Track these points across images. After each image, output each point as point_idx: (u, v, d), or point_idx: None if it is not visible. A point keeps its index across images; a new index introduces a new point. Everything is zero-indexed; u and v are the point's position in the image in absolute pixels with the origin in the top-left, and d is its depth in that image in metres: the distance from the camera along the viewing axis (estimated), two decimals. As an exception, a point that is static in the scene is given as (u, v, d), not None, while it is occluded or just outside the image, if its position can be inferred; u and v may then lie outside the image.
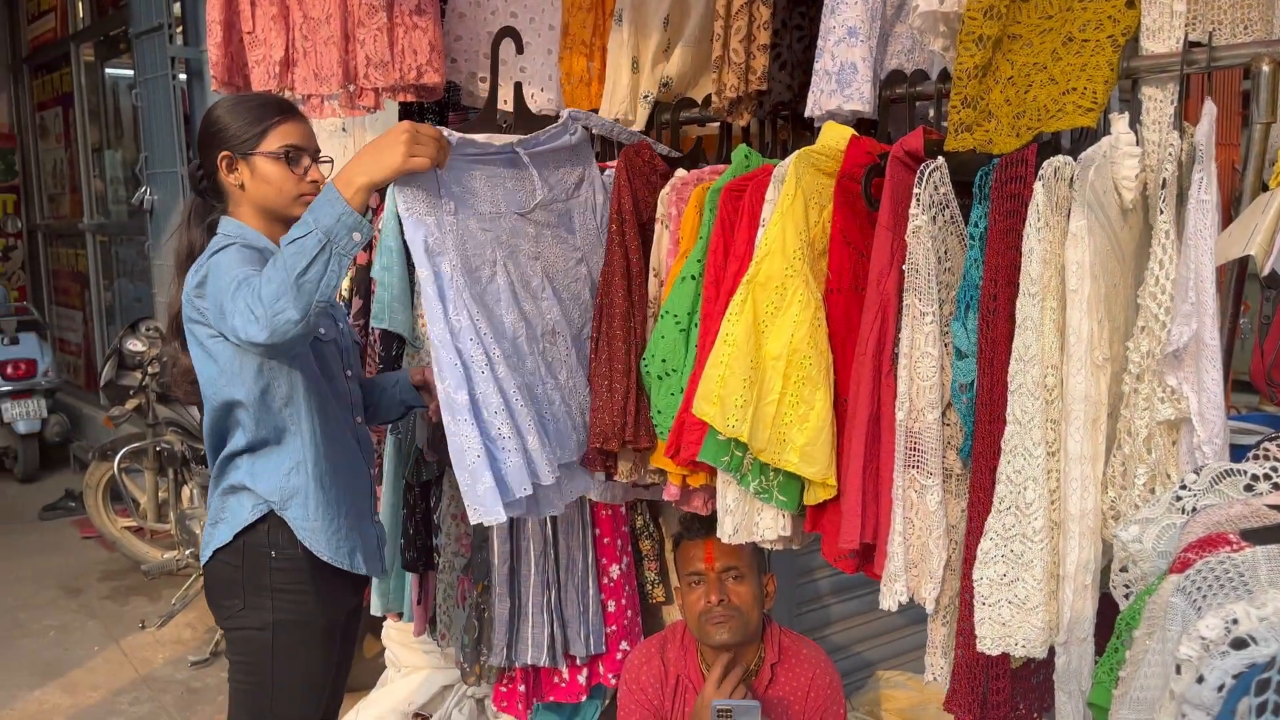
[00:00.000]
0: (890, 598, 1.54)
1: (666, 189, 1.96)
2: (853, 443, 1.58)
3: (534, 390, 1.86)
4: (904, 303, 1.53)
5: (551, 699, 2.58)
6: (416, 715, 2.78)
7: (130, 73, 5.44)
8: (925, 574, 1.55)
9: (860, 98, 1.70)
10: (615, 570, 2.58)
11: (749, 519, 1.74)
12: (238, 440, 1.87)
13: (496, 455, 1.71)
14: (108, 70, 6.55)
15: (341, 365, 2.01)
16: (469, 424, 1.69)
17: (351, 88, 2.51)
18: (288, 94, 2.56)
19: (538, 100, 2.62)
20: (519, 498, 1.73)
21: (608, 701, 2.76)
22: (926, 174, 1.50)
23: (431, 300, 1.72)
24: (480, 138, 1.87)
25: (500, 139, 1.92)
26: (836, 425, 1.65)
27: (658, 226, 1.97)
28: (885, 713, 2.81)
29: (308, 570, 1.88)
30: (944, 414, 1.54)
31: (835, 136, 1.70)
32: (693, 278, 1.85)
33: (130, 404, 4.26)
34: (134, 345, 4.26)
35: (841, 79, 1.71)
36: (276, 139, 1.88)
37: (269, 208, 1.91)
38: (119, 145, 6.52)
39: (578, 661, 2.55)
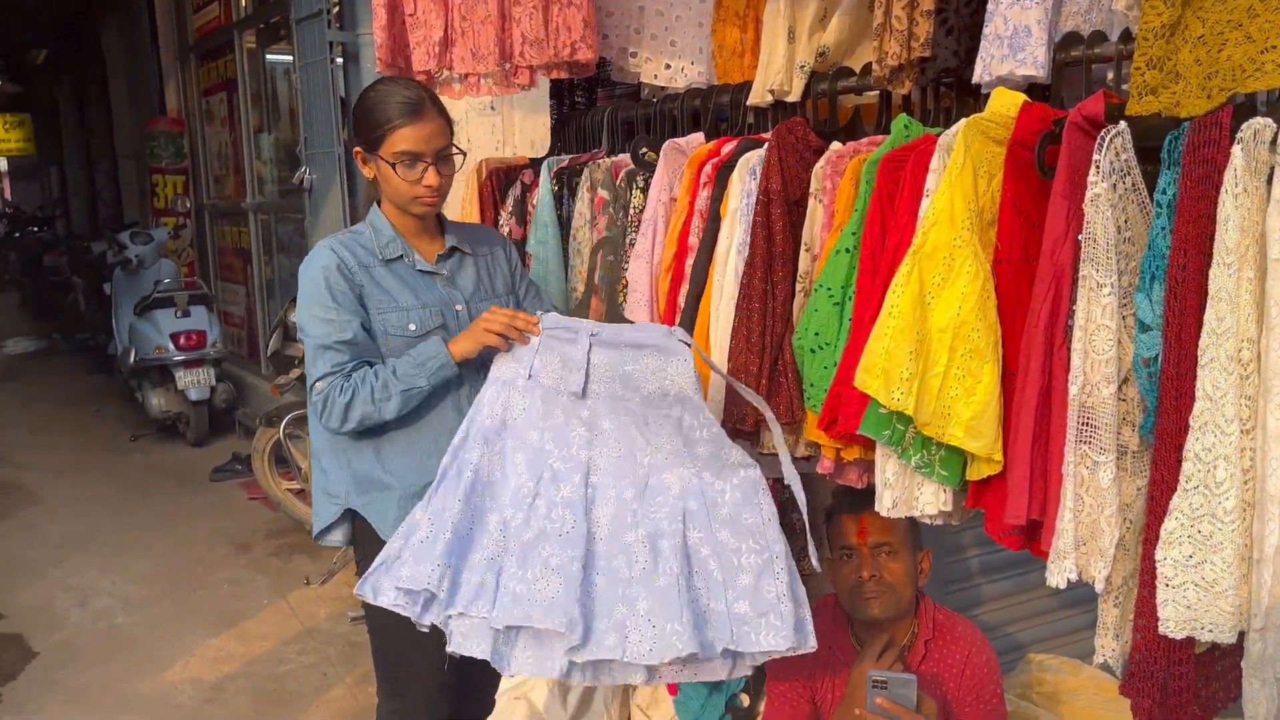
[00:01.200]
0: (1058, 574, 1.50)
1: (821, 163, 1.94)
2: (1021, 417, 1.54)
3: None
4: (1080, 274, 1.48)
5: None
6: (566, 677, 2.85)
7: (288, 58, 5.70)
8: (1095, 552, 1.50)
9: (1034, 62, 1.64)
10: (763, 542, 2.59)
11: (909, 493, 1.73)
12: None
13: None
14: (268, 56, 6.88)
15: None
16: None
17: (507, 66, 2.57)
18: (446, 73, 2.65)
19: (688, 74, 2.62)
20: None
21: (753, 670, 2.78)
22: (1108, 139, 1.44)
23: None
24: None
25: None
26: (1004, 399, 1.61)
27: (811, 201, 1.95)
28: (1038, 695, 2.74)
29: None
30: (1120, 389, 1.48)
31: (1006, 103, 1.65)
32: (847, 250, 1.83)
33: (294, 373, 4.49)
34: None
35: (1014, 43, 1.66)
36: (392, 145, 1.97)
37: (394, 203, 2.04)
38: (277, 128, 6.85)
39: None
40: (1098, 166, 1.44)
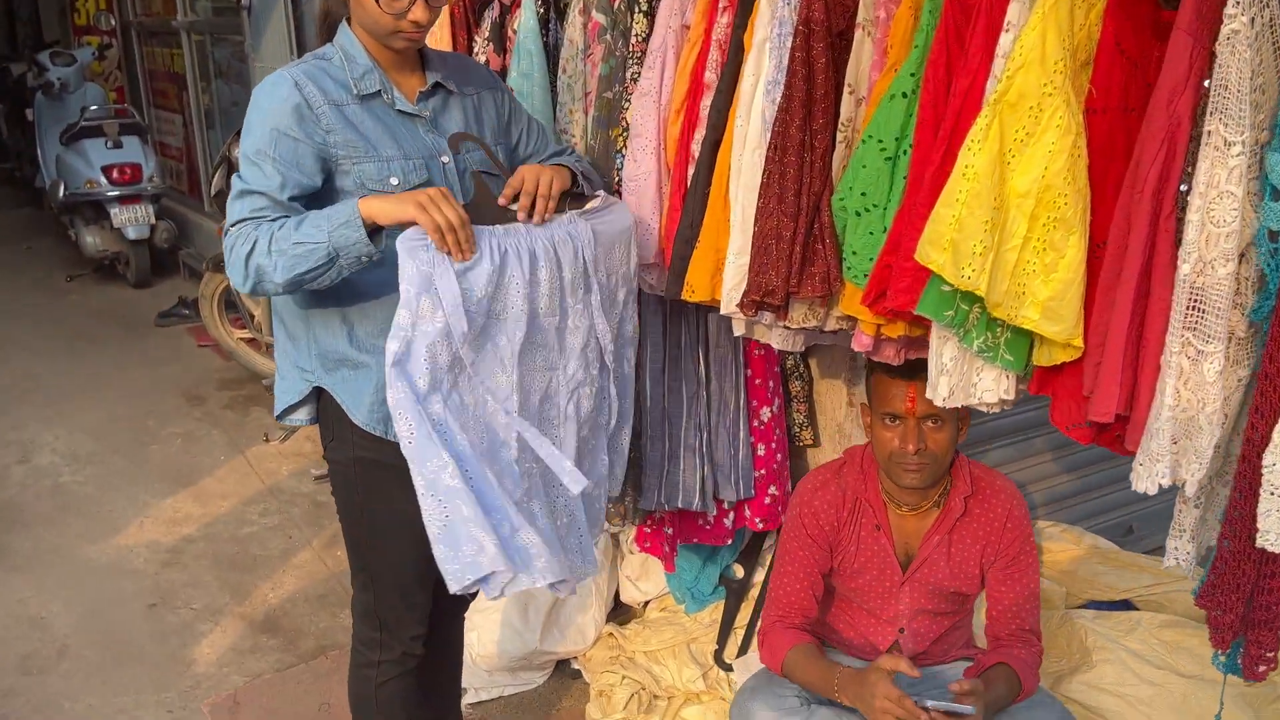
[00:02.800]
0: (1148, 479, 1.33)
1: (872, -16, 1.64)
2: (1118, 298, 1.32)
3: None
4: (1204, 129, 1.23)
5: (696, 541, 2.48)
6: (551, 547, 2.71)
7: None
8: (1191, 452, 1.32)
9: None
10: (766, 413, 2.42)
11: (966, 379, 1.53)
12: None
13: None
14: None
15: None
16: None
17: None
18: None
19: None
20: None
21: (747, 540, 2.66)
22: (1256, -37, 1.17)
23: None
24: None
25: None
26: (1087, 277, 1.40)
27: (857, 34, 1.66)
28: (1044, 565, 2.66)
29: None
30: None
31: (1110, -85, 1.36)
32: (904, 95, 1.56)
33: (241, 215, 4.14)
34: (242, 153, 4.09)
35: None
36: None
37: (372, 33, 1.71)
38: (208, -66, 6.18)
39: (725, 505, 2.43)
40: (1239, -4, 1.18)
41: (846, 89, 1.67)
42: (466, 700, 2.56)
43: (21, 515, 3.57)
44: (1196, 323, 1.27)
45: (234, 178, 1.63)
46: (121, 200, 5.95)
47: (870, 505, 1.91)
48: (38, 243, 7.29)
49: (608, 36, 2.13)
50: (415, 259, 1.53)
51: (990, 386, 1.52)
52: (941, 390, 1.52)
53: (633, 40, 2.06)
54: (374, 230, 1.57)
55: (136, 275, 6.17)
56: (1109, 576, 2.64)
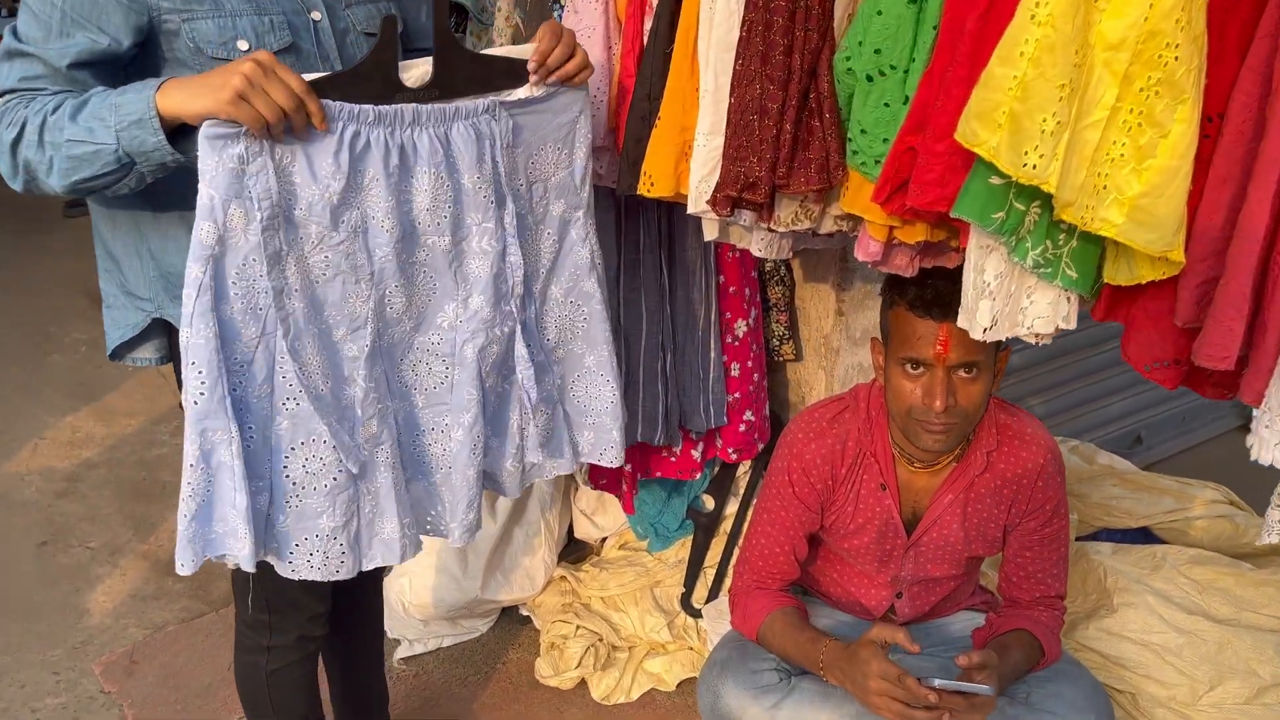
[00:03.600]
0: (1272, 449, 0.97)
1: None
2: (1251, 197, 0.94)
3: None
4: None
5: (659, 475, 2.13)
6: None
7: None
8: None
9: None
10: (741, 327, 2.04)
11: (1014, 303, 1.15)
12: None
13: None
14: None
15: None
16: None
17: None
18: None
19: None
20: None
21: (718, 469, 2.32)
22: None
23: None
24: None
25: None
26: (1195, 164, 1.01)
27: None
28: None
29: None
30: None
31: None
32: (936, -90, 1.14)
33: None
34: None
35: None
36: None
37: None
38: None
39: (692, 435, 2.07)
40: None
41: (854, -95, 1.24)
42: (399, 654, 2.24)
43: (-102, 436, 3.16)
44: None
45: (5, 30, 1.17)
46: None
47: (876, 459, 1.55)
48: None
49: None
50: (220, 151, 1.12)
51: (1044, 312, 1.15)
52: (982, 318, 1.15)
53: None
54: (178, 130, 1.14)
55: (43, 160, 5.59)
56: (1126, 501, 2.33)
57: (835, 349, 2.19)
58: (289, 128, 1.13)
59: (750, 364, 2.07)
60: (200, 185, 1.13)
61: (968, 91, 1.07)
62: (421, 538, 1.44)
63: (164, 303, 1.33)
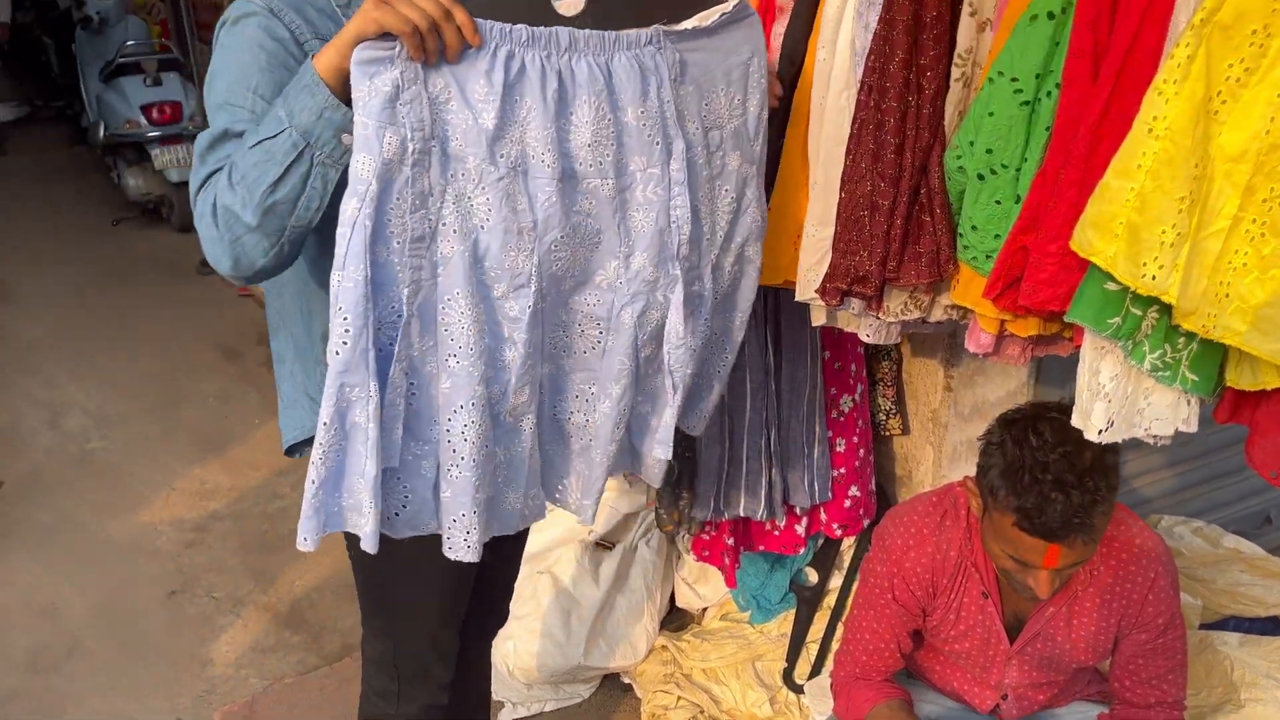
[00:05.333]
0: None
1: None
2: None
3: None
4: None
5: (761, 549, 2.14)
6: (598, 544, 2.40)
7: None
8: None
9: None
10: (847, 402, 2.04)
11: (1131, 405, 1.14)
12: None
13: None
14: None
15: None
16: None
17: None
18: None
19: None
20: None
21: (821, 543, 2.30)
22: None
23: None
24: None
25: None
26: (1321, 273, 0.99)
27: (983, -68, 1.24)
28: (1173, 577, 2.26)
29: None
30: None
31: None
32: (1050, 16, 1.16)
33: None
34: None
35: None
36: None
37: None
38: None
39: (797, 510, 2.07)
40: None
41: (966, 9, 1.26)
42: (502, 716, 2.28)
43: (45, 484, 3.37)
44: None
45: (199, 136, 1.20)
46: (162, 140, 5.68)
47: (978, 569, 1.52)
48: (86, 183, 7.09)
49: None
50: (373, 78, 1.04)
51: (1164, 414, 1.13)
52: (1096, 420, 1.14)
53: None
54: (343, 88, 1.09)
55: (179, 219, 5.92)
56: (1255, 589, 2.23)
57: (943, 424, 2.16)
58: (441, 51, 1.07)
59: (856, 439, 2.06)
60: (355, 116, 1.06)
61: (1081, 194, 1.08)
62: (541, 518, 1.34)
63: None
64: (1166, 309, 1.03)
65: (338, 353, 1.10)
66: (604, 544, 2.41)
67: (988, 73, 1.20)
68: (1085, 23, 1.11)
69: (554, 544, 2.39)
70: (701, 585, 2.37)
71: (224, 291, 5.11)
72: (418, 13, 1.03)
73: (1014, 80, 1.17)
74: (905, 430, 2.21)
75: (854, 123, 1.31)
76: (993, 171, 1.22)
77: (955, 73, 1.27)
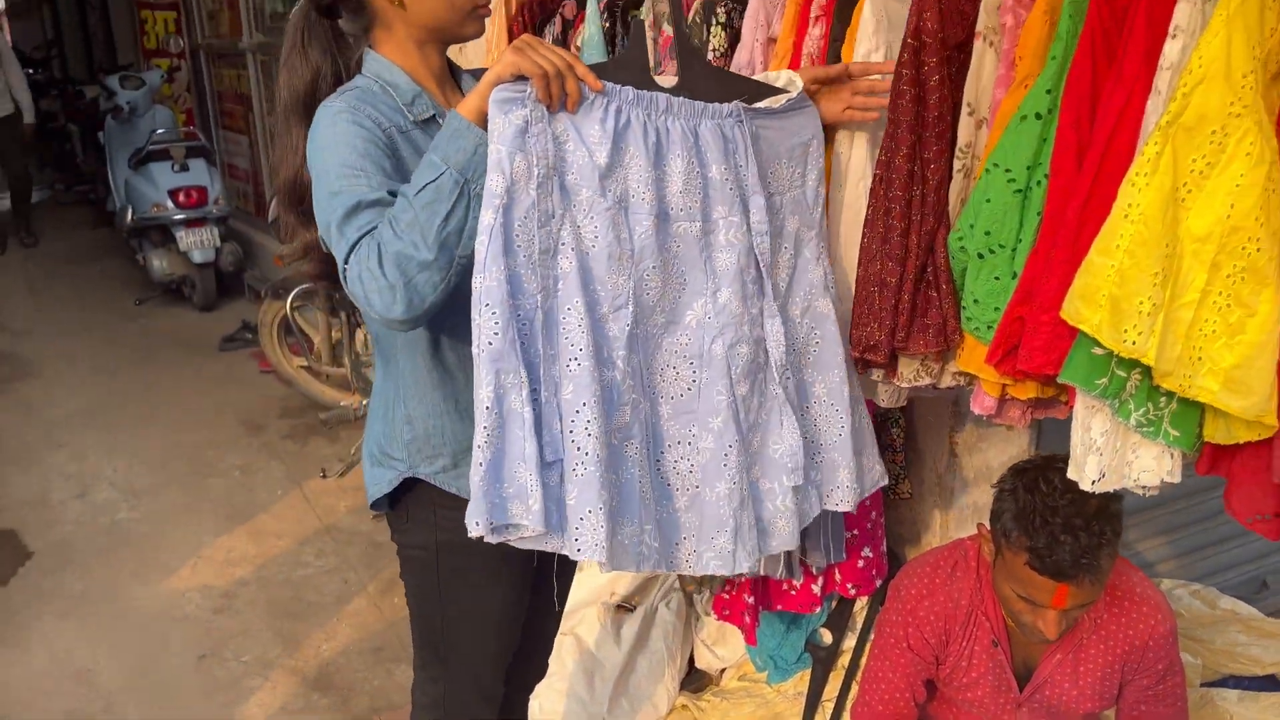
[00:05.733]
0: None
1: (997, -13, 1.39)
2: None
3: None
4: None
5: (779, 608, 2.24)
6: (619, 607, 2.49)
7: None
8: None
9: None
10: (859, 466, 2.16)
11: (1120, 458, 1.26)
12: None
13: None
14: None
15: None
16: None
17: None
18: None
19: None
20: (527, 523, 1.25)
21: (836, 604, 2.40)
22: None
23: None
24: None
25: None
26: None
27: (978, 44, 1.41)
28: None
29: None
30: None
31: (1308, -108, 1.10)
32: (1038, 116, 1.31)
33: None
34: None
35: None
36: None
37: (435, 28, 1.45)
38: (274, -45, 6.13)
39: (813, 570, 2.18)
40: None
41: (965, 109, 1.42)
42: (529, 774, 2.35)
43: (76, 554, 3.46)
44: None
45: (325, 224, 1.33)
46: (187, 224, 5.90)
47: (988, 618, 1.64)
48: (109, 265, 7.31)
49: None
50: (507, 113, 1.24)
51: (1150, 466, 1.26)
52: (1090, 472, 1.26)
53: (710, 56, 1.84)
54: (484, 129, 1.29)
55: (202, 298, 6.12)
56: (1252, 648, 2.32)
57: (950, 488, 2.29)
58: (564, 100, 1.25)
59: (867, 502, 2.18)
60: (490, 145, 1.24)
61: (1069, 269, 1.22)
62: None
63: (416, 463, 1.51)
64: (1147, 370, 1.17)
65: (490, 343, 1.24)
66: (625, 606, 2.51)
67: (985, 164, 1.36)
68: (1069, 122, 1.27)
69: (578, 606, 2.49)
70: (720, 646, 2.46)
71: (245, 367, 5.27)
72: (547, 61, 1.24)
73: (1008, 171, 1.33)
74: (914, 495, 2.33)
75: (868, 209, 1.46)
76: (991, 251, 1.36)
77: (957, 164, 1.43)
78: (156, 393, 4.93)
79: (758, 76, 1.47)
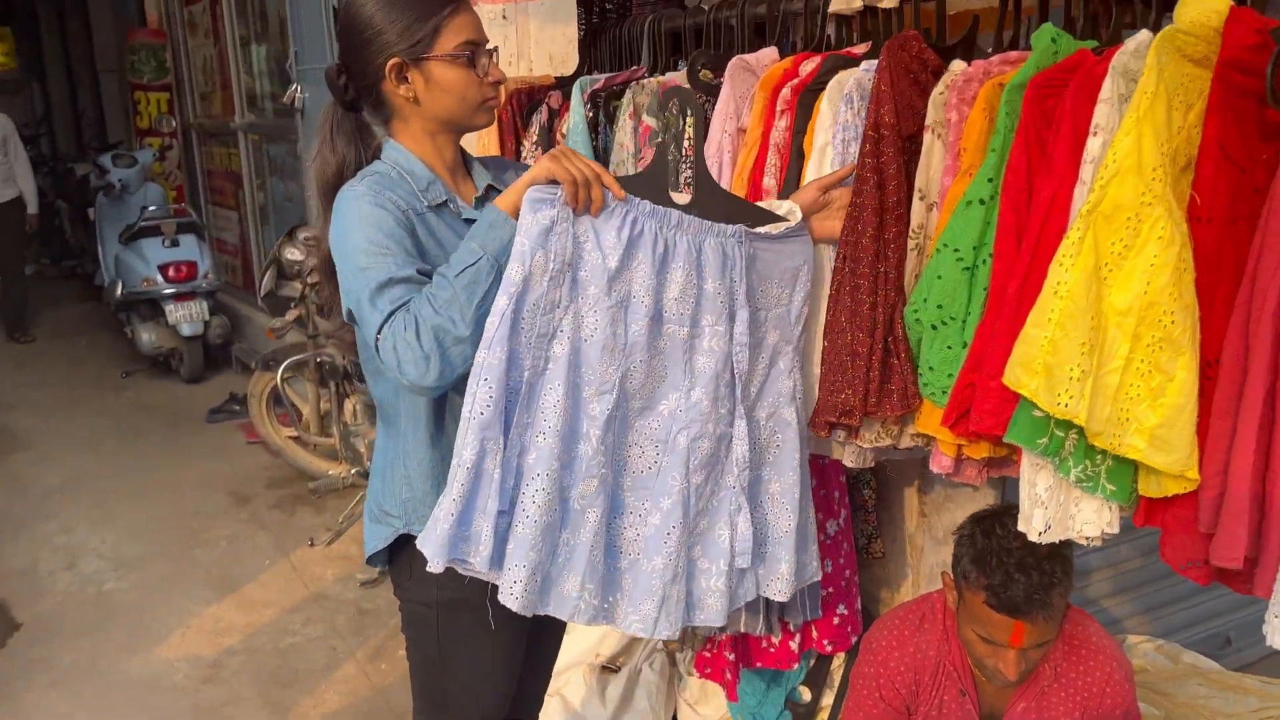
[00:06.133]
0: (1287, 635, 1.17)
1: (941, 87, 1.55)
2: (1240, 427, 1.18)
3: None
4: (1336, 244, 1.11)
5: (759, 665, 2.32)
6: (604, 668, 2.56)
7: (275, -39, 5.19)
8: (1332, 605, 1.16)
9: (1250, -47, 1.24)
10: (832, 526, 2.27)
11: (1064, 511, 1.38)
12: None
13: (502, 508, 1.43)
14: (252, -40, 6.33)
15: None
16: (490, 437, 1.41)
17: (529, -35, 2.15)
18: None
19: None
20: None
21: (813, 661, 2.48)
22: (1386, 60, 1.06)
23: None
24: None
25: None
26: (1200, 399, 1.26)
27: (927, 136, 1.56)
28: (1139, 687, 2.44)
29: None
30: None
31: (1204, 9, 1.25)
32: (981, 202, 1.45)
33: (290, 315, 4.13)
34: (292, 254, 4.09)
35: (1224, -73, 1.25)
36: (453, 36, 1.54)
37: (448, 120, 1.60)
38: (266, 39, 6.34)
39: (790, 627, 2.27)
40: (1371, 98, 1.06)
41: (917, 194, 1.57)
42: (516, 836, 2.39)
43: (65, 625, 3.50)
44: (1334, 457, 1.12)
45: (355, 297, 1.47)
46: (177, 297, 6.02)
47: (955, 669, 1.74)
48: (96, 338, 7.40)
49: (659, 140, 2.06)
50: (536, 212, 1.40)
51: (1091, 519, 1.37)
52: (1036, 523, 1.38)
53: (685, 145, 1.99)
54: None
55: (189, 371, 6.20)
56: (1213, 700, 2.42)
57: (920, 547, 2.39)
58: (588, 207, 1.41)
59: (841, 561, 2.28)
60: (516, 237, 1.40)
61: (1012, 340, 1.35)
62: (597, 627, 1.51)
63: (411, 521, 1.61)
64: (1082, 430, 1.29)
65: (482, 413, 1.39)
66: (610, 667, 2.58)
67: (935, 244, 1.50)
68: (1008, 208, 1.41)
69: (564, 667, 2.56)
70: (702, 705, 2.53)
71: (232, 438, 5.33)
72: (578, 170, 1.40)
73: (956, 251, 1.47)
74: (886, 554, 2.43)
75: (833, 285, 1.60)
76: (944, 323, 1.49)
77: (911, 243, 1.57)
78: (144, 464, 4.99)
79: (763, 203, 1.63)
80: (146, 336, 6.19)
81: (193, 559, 3.99)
